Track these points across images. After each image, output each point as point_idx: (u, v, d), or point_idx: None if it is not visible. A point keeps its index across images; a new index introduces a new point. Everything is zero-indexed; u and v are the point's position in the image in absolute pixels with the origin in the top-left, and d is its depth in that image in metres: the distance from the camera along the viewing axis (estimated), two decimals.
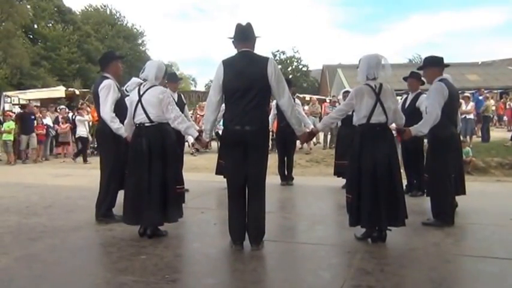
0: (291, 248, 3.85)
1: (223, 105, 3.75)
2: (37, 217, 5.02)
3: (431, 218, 4.41)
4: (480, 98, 14.47)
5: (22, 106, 15.00)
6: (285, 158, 7.24)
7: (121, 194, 4.32)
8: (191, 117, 9.82)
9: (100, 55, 5.89)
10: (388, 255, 3.57)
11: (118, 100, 4.58)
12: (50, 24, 34.62)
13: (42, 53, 32.83)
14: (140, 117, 4.00)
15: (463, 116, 11.78)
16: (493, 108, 15.81)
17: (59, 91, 19.04)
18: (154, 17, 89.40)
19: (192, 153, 12.32)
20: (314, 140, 12.69)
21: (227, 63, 3.61)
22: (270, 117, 5.61)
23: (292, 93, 4.83)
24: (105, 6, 42.02)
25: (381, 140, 3.79)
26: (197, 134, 4.03)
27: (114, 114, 4.47)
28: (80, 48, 34.75)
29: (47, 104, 15.35)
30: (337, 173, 6.67)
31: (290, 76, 36.54)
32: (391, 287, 2.92)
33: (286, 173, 7.22)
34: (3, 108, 16.31)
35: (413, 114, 5.35)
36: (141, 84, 4.17)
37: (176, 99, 5.71)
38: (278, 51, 44.32)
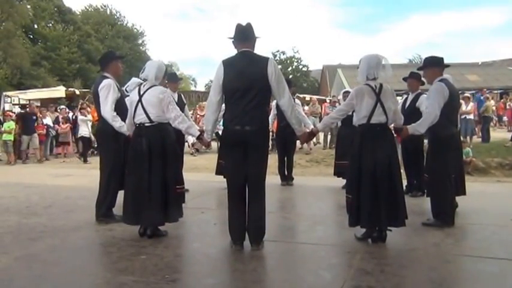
0: (291, 248, 3.85)
1: (224, 105, 3.75)
2: (37, 217, 5.02)
3: (431, 218, 4.41)
4: (482, 98, 14.47)
5: (22, 106, 15.01)
6: (285, 158, 7.24)
7: (121, 194, 4.33)
8: (191, 117, 9.84)
9: (100, 55, 5.90)
10: (388, 255, 3.57)
11: (118, 100, 4.58)
12: (50, 24, 34.60)
13: (42, 53, 32.80)
14: (140, 117, 4.00)
15: (463, 117, 11.82)
16: (493, 108, 15.79)
17: (59, 91, 19.03)
18: (154, 17, 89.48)
19: (192, 153, 12.32)
20: (314, 140, 12.68)
21: (227, 63, 3.61)
22: (270, 117, 5.63)
23: (292, 93, 4.83)
24: (105, 6, 42.07)
25: (381, 140, 3.80)
26: (198, 133, 4.03)
27: (115, 113, 4.47)
28: (80, 48, 34.72)
29: (47, 104, 15.34)
30: (337, 173, 6.67)
31: (290, 76, 36.58)
32: (391, 287, 2.92)
33: (286, 173, 7.22)
34: (3, 108, 16.31)
35: (413, 114, 5.32)
36: (141, 84, 4.18)
37: (176, 99, 5.70)
38: (278, 51, 44.39)
